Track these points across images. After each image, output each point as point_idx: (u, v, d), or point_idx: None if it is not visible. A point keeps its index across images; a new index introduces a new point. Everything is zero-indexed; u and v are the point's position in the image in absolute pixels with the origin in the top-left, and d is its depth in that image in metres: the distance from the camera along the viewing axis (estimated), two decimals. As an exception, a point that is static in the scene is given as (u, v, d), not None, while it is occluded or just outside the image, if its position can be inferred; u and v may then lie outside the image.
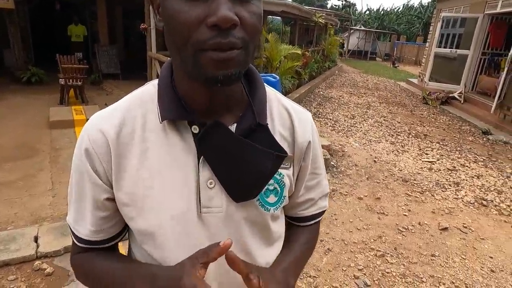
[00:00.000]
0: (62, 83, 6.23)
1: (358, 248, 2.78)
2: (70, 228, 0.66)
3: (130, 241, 0.70)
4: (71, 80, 6.26)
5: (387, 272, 2.52)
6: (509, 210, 3.60)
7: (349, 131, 6.12)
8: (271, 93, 0.69)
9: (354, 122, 6.74)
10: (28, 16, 8.64)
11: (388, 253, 2.74)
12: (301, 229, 0.78)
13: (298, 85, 8.63)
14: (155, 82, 0.64)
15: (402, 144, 5.58)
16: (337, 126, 6.33)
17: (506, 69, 7.32)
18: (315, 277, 2.40)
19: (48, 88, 7.38)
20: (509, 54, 7.25)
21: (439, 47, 10.31)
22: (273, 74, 5.25)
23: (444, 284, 2.45)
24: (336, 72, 14.69)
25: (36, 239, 2.46)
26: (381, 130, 6.35)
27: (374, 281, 2.42)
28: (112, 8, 9.57)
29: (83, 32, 9.34)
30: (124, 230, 0.68)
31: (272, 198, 0.65)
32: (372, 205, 3.50)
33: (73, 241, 0.67)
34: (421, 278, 2.49)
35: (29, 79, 7.58)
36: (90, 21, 10.13)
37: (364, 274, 2.48)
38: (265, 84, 0.67)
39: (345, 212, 3.30)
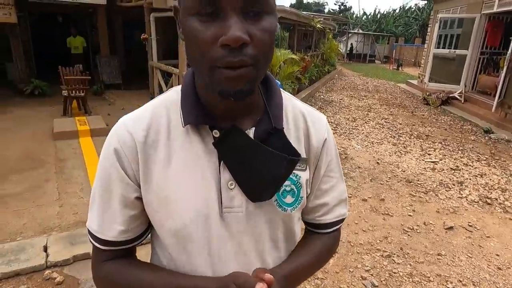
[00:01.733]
0: (65, 94, 6.29)
1: (365, 249, 2.79)
2: (92, 234, 0.65)
3: (155, 247, 0.71)
4: (74, 91, 6.32)
5: (394, 272, 2.53)
6: (513, 207, 3.61)
7: (351, 133, 6.14)
8: (287, 97, 0.71)
9: (356, 125, 6.77)
10: (30, 29, 8.75)
11: (394, 254, 2.75)
12: (317, 236, 0.77)
13: (299, 89, 8.69)
14: (177, 88, 0.67)
15: (404, 145, 5.60)
16: (339, 129, 6.36)
17: (505, 67, 7.36)
18: (322, 279, 2.41)
19: (51, 99, 7.46)
20: (508, 52, 7.29)
21: (438, 48, 10.37)
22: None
23: (451, 282, 2.46)
24: (336, 76, 14.76)
25: (45, 248, 2.49)
26: (382, 132, 6.38)
27: (381, 281, 2.43)
28: (112, 19, 9.69)
29: (81, 44, 9.44)
30: (148, 230, 0.70)
31: (289, 199, 0.67)
32: (376, 206, 3.51)
33: (96, 249, 0.66)
34: (428, 277, 2.50)
35: (32, 92, 7.66)
36: (91, 32, 10.24)
37: (371, 274, 2.50)
38: (280, 89, 0.70)
39: (350, 214, 3.32)
